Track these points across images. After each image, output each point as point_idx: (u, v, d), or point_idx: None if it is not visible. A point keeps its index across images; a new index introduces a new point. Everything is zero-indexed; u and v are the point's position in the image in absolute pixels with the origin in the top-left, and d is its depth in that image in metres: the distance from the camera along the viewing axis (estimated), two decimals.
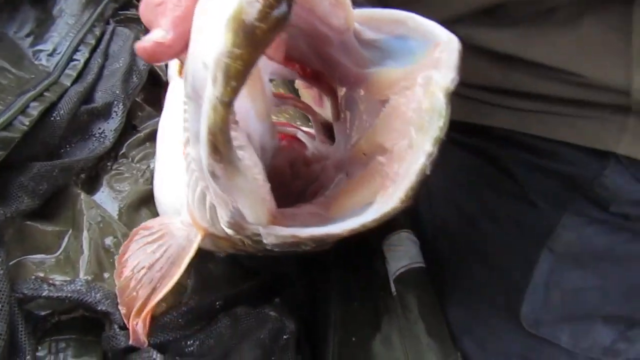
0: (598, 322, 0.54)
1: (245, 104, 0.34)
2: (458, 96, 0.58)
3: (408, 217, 0.65)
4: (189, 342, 0.62)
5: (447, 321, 0.59)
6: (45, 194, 0.64)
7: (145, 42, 0.31)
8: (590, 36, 0.45)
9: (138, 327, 0.51)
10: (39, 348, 0.56)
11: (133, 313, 0.52)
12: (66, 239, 0.63)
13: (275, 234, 0.33)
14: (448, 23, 0.51)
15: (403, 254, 0.61)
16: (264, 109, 0.36)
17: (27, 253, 0.60)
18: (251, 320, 0.68)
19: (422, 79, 0.31)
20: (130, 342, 0.52)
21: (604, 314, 0.54)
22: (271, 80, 0.44)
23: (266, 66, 0.35)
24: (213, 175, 0.30)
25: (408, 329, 0.58)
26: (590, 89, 0.46)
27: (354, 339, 0.68)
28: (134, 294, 0.52)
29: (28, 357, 0.53)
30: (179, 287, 0.68)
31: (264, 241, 0.33)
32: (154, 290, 0.52)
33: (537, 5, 0.46)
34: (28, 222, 0.62)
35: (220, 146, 0.28)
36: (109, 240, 0.63)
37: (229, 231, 0.35)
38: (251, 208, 0.33)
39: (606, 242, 0.52)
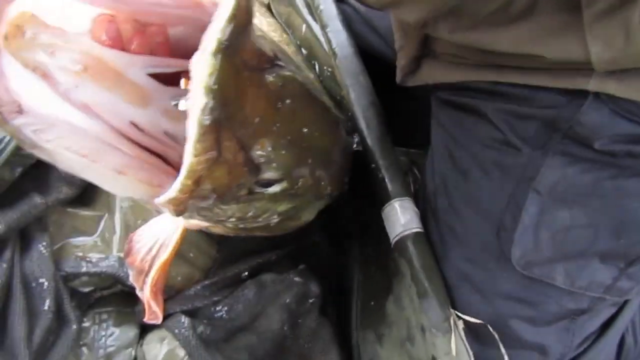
0: (594, 260, 0.54)
1: (99, 95, 0.37)
2: (445, 61, 0.60)
3: (403, 183, 0.66)
4: (217, 308, 0.67)
5: (447, 273, 0.60)
6: (82, 184, 0.70)
7: None
8: (545, 20, 0.47)
9: (152, 305, 0.56)
10: (84, 319, 0.63)
11: (145, 297, 0.57)
12: (103, 222, 0.69)
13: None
14: (422, 24, 0.55)
15: (395, 223, 0.62)
16: (136, 97, 0.39)
17: (69, 236, 0.67)
18: (277, 286, 0.72)
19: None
20: (146, 319, 0.57)
21: (597, 251, 0.54)
22: None
23: (129, 61, 0.38)
24: (48, 162, 0.35)
25: (409, 291, 0.60)
26: (554, 64, 0.49)
27: (372, 302, 0.70)
28: (146, 279, 0.58)
29: (74, 327, 0.61)
30: (207, 261, 0.73)
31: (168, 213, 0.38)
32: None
33: (492, 4, 0.48)
34: (69, 209, 0.69)
35: (16, 135, 0.33)
36: (139, 222, 0.69)
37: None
38: (113, 184, 0.37)
39: (592, 179, 0.52)
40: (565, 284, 0.56)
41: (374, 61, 0.77)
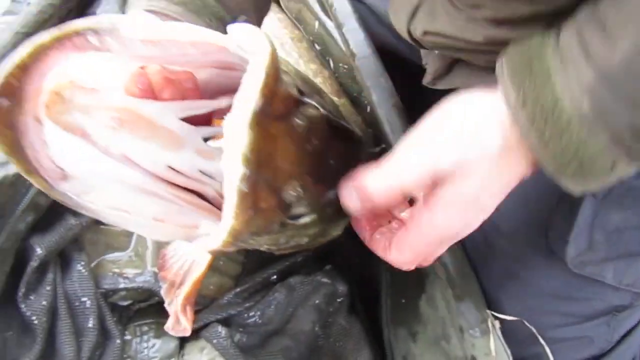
0: None
1: (137, 145, 0.38)
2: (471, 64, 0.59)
3: None
4: (250, 314, 0.70)
5: (491, 271, 0.62)
6: None
7: None
8: None
9: (181, 319, 0.58)
10: (126, 333, 0.66)
11: (177, 311, 0.59)
12: (134, 237, 0.71)
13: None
14: None
15: None
16: (171, 141, 0.40)
17: (104, 253, 0.69)
18: (305, 287, 0.74)
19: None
20: (173, 332, 0.59)
21: None
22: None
23: (161, 109, 0.39)
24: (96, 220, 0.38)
25: (444, 292, 0.62)
26: None
27: (403, 300, 0.72)
28: (177, 292, 0.60)
29: (117, 341, 0.64)
30: (236, 267, 0.75)
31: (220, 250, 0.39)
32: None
33: None
34: (102, 226, 0.71)
35: (62, 199, 0.36)
36: None
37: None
38: (153, 231, 0.40)
39: None
40: (614, 282, 0.58)
41: (386, 56, 0.77)
